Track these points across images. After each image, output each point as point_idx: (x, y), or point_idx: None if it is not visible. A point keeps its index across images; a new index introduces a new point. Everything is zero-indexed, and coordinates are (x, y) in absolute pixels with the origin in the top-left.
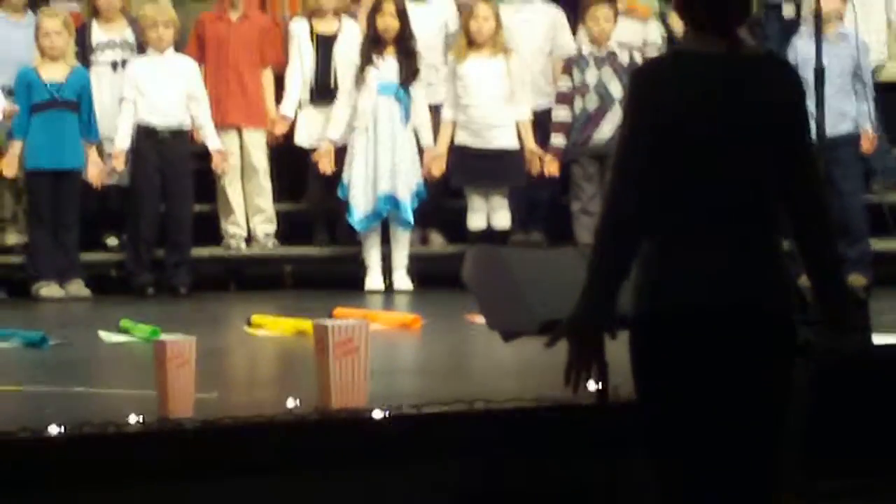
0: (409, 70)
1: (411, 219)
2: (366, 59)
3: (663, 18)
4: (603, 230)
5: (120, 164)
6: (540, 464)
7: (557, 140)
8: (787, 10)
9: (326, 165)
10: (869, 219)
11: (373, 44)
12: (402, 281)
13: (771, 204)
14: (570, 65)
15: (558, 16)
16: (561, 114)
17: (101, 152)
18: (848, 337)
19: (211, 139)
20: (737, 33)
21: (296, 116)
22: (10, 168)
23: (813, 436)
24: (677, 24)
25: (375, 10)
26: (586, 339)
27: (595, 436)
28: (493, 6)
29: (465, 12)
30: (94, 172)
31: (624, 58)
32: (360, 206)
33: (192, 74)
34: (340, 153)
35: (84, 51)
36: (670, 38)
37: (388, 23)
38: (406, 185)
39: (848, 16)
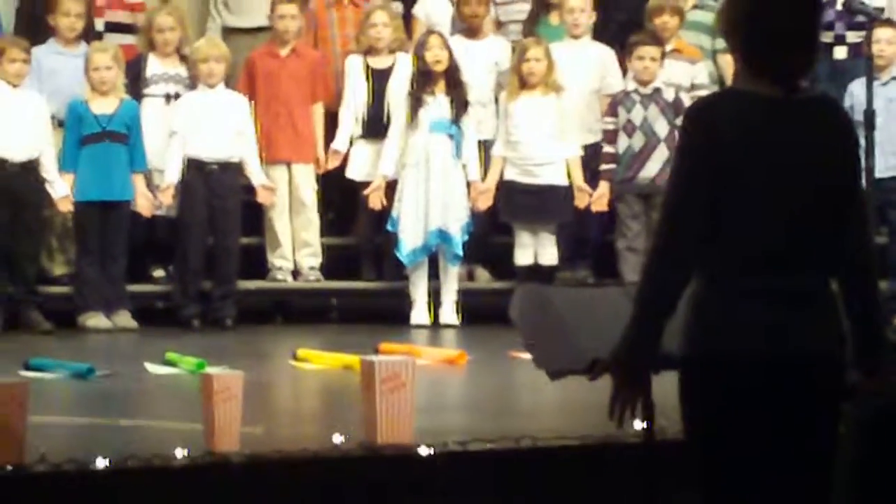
0: (460, 102)
1: (461, 252)
2: (416, 97)
3: (714, 57)
4: (652, 267)
5: (168, 198)
6: (585, 502)
7: (607, 168)
8: (839, 53)
9: (377, 201)
10: None
11: (422, 79)
12: (449, 315)
13: (824, 248)
14: (616, 104)
15: (607, 54)
16: (609, 149)
17: (149, 183)
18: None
19: (256, 175)
20: (793, 81)
21: (348, 150)
22: (66, 202)
23: (863, 481)
24: (728, 65)
25: (422, 45)
26: (630, 374)
27: (641, 474)
28: (545, 46)
29: (518, 53)
30: (143, 203)
31: (669, 96)
32: (409, 240)
33: (242, 110)
34: (389, 188)
35: (138, 83)
36: (721, 77)
37: (436, 55)
38: (457, 219)
39: None
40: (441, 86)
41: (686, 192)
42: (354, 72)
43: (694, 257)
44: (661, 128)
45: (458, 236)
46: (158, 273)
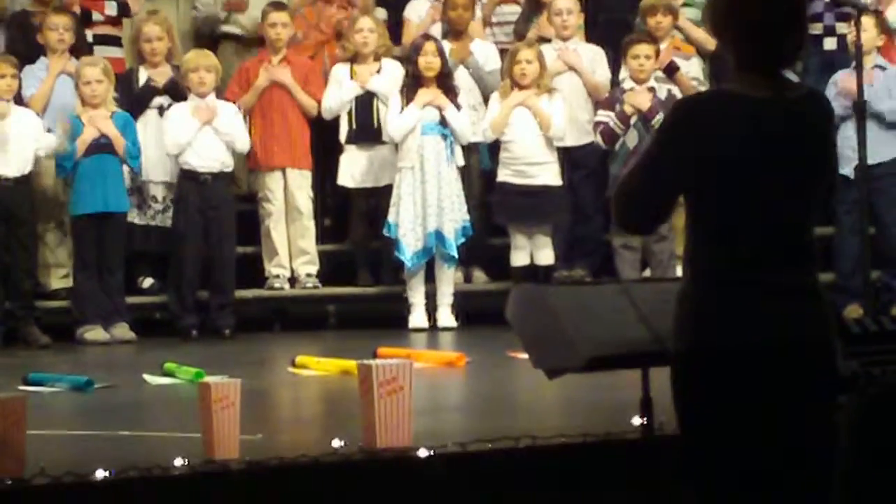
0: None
1: (456, 254)
2: (407, 101)
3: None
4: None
5: None
6: (585, 500)
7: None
8: (828, 44)
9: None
10: None
11: (413, 83)
12: (447, 318)
13: (809, 241)
14: (613, 99)
15: (597, 53)
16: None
17: (144, 195)
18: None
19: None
20: (782, 74)
21: (339, 157)
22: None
23: (860, 470)
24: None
25: (417, 50)
26: None
27: (641, 471)
28: (536, 48)
29: (509, 56)
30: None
31: (662, 94)
32: (409, 243)
33: (234, 118)
34: (385, 193)
35: (131, 96)
36: (713, 74)
37: (430, 61)
38: (452, 221)
39: None
40: (433, 90)
41: (657, 169)
42: (342, 79)
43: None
44: (656, 125)
45: (453, 238)
46: (148, 283)
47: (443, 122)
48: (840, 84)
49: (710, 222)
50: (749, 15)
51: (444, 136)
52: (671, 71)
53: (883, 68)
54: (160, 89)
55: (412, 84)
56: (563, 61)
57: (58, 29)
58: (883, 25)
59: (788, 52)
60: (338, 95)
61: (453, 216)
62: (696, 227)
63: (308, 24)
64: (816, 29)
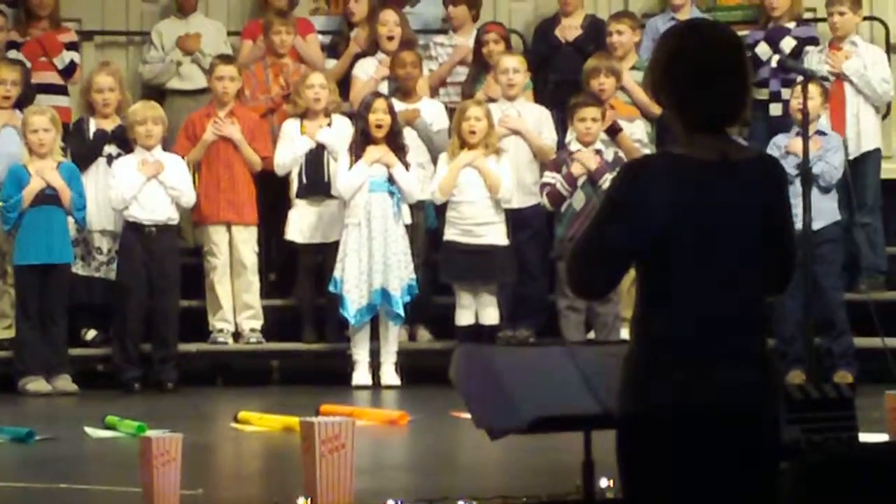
0: (400, 164)
1: (402, 312)
2: (356, 158)
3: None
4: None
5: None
6: None
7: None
8: (774, 110)
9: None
10: (855, 316)
11: (363, 140)
12: (390, 376)
13: (761, 304)
14: (559, 162)
15: (543, 114)
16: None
17: (90, 247)
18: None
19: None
20: (729, 135)
21: (285, 212)
22: None
23: None
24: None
25: (367, 107)
26: None
27: None
28: (485, 107)
29: (458, 113)
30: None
31: (609, 156)
32: (354, 300)
33: (180, 172)
34: (332, 249)
35: (83, 146)
36: (657, 137)
37: (380, 118)
38: (397, 279)
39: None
40: (381, 147)
41: (609, 231)
42: (292, 135)
43: (636, 313)
44: (603, 186)
45: (399, 296)
46: (91, 335)
47: (391, 180)
48: (788, 147)
49: (658, 286)
50: (688, 73)
51: (392, 194)
52: (613, 132)
53: (824, 133)
54: (109, 135)
55: (361, 141)
56: (505, 128)
57: (6, 83)
58: (827, 94)
59: (732, 109)
60: (290, 151)
61: (399, 274)
62: (644, 291)
63: (257, 81)
64: (762, 94)
